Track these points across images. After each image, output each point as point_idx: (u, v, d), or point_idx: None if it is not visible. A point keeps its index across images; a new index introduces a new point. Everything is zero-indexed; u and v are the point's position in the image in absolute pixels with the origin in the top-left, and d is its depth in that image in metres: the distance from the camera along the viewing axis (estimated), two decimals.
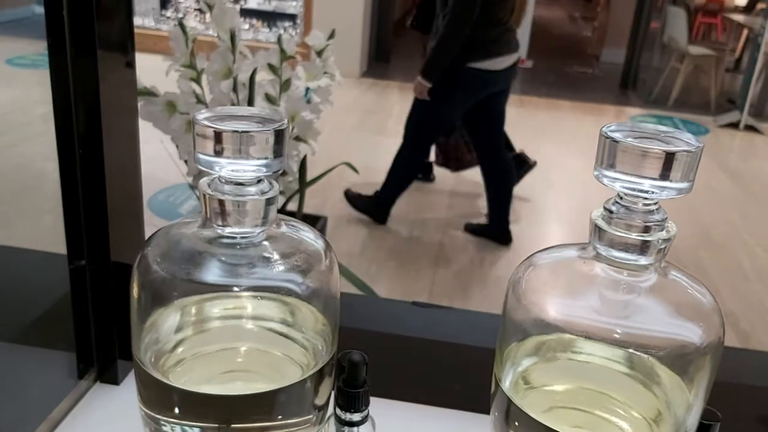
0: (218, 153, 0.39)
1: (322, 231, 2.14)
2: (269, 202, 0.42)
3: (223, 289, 0.44)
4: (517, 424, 0.42)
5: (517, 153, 3.39)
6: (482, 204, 3.25)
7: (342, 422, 0.45)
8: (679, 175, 0.37)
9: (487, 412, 0.46)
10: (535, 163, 3.42)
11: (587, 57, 7.64)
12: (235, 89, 1.43)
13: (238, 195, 0.41)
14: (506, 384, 0.43)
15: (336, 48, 1.58)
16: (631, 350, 0.41)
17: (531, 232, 3.29)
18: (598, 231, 0.40)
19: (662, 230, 0.39)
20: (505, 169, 3.10)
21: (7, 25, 5.55)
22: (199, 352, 0.46)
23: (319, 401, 0.46)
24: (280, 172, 0.41)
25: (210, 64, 1.42)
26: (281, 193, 1.57)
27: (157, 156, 1.61)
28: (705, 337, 0.40)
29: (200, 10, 5.73)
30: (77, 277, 0.58)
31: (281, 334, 0.47)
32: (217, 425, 0.43)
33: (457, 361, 0.66)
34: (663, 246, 0.39)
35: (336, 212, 3.20)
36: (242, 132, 0.39)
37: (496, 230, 3.11)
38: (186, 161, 1.51)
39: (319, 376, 0.44)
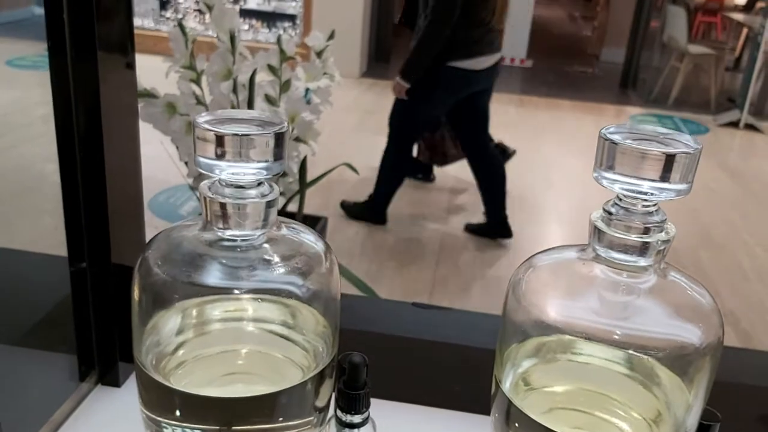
0: (218, 156, 0.39)
1: (322, 231, 2.14)
2: (269, 204, 0.42)
3: (223, 291, 0.44)
4: (517, 425, 0.42)
5: (495, 143, 3.40)
6: (480, 204, 3.26)
7: (343, 424, 0.45)
8: (678, 177, 0.37)
9: (488, 413, 0.46)
10: (514, 152, 3.43)
11: (587, 56, 7.64)
12: (235, 90, 1.44)
13: (238, 198, 0.41)
14: (506, 385, 0.44)
15: (336, 48, 1.58)
16: (630, 351, 0.41)
17: (531, 232, 3.29)
18: (597, 232, 0.40)
19: (661, 231, 0.39)
20: (494, 163, 3.12)
21: (7, 26, 5.55)
22: (200, 355, 0.46)
23: (320, 403, 0.46)
24: (280, 174, 0.42)
25: (210, 65, 1.42)
26: (281, 194, 1.57)
27: (158, 157, 1.61)
28: (704, 337, 0.40)
29: (200, 11, 5.73)
30: (78, 279, 0.58)
31: (282, 336, 0.47)
32: (218, 427, 0.43)
33: (457, 362, 0.66)
34: (662, 247, 0.40)
35: (336, 212, 3.20)
36: (242, 135, 0.39)
37: (495, 226, 3.12)
38: (186, 162, 1.51)
39: (319, 378, 0.45)
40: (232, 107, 1.43)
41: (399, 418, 0.59)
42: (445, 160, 3.47)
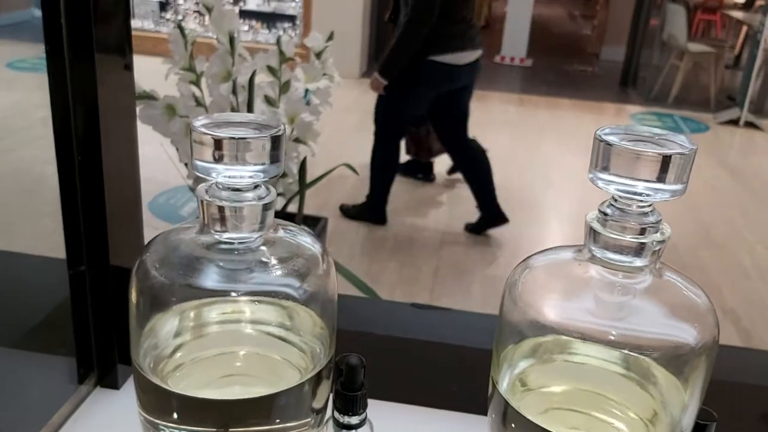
0: (215, 159, 0.39)
1: (322, 232, 2.14)
2: (266, 207, 0.42)
3: (221, 294, 0.44)
4: (513, 425, 0.43)
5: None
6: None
7: (340, 425, 0.45)
8: (672, 177, 0.37)
9: (486, 414, 0.46)
10: (486, 151, 3.48)
11: (587, 55, 7.64)
12: (234, 92, 1.44)
13: (235, 201, 0.41)
14: (503, 386, 0.44)
15: (336, 49, 1.58)
16: (626, 351, 0.42)
17: (531, 231, 3.29)
18: (593, 233, 0.40)
19: (657, 232, 0.40)
20: (476, 157, 3.15)
21: (7, 28, 5.56)
22: (198, 357, 0.46)
23: (317, 404, 0.46)
24: (278, 176, 0.42)
25: (209, 66, 1.42)
26: (281, 194, 1.57)
27: (158, 158, 1.61)
28: (700, 337, 0.40)
29: (200, 13, 5.73)
30: (77, 281, 0.58)
31: (279, 338, 0.47)
32: (215, 429, 0.43)
33: (456, 363, 0.66)
34: (658, 248, 0.40)
35: (337, 213, 3.20)
36: (239, 138, 0.39)
37: (490, 216, 3.13)
38: (186, 164, 1.51)
39: (317, 380, 0.45)
40: (232, 109, 1.43)
41: (397, 419, 0.60)
42: (430, 154, 3.57)
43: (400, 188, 3.47)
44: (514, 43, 6.88)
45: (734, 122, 5.32)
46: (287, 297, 0.44)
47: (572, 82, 6.56)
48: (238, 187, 0.41)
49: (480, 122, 5.02)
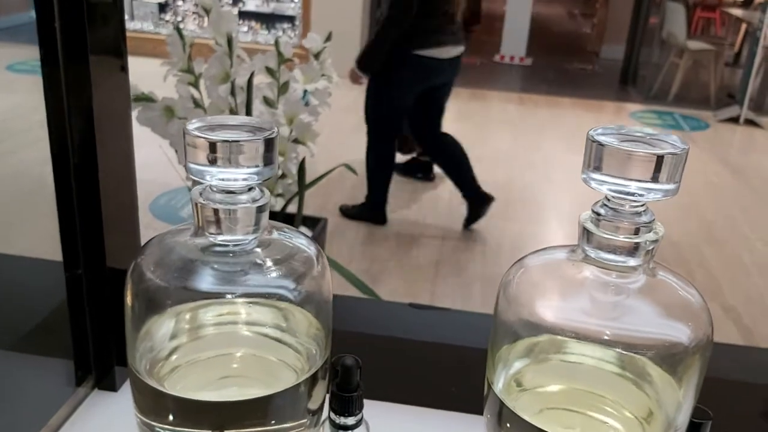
0: (209, 162, 0.39)
1: (322, 232, 2.14)
2: (260, 209, 0.42)
3: (216, 296, 0.44)
4: (509, 425, 0.43)
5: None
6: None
7: (336, 426, 0.45)
8: (665, 177, 0.37)
9: (482, 413, 0.46)
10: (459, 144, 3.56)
11: (587, 54, 7.64)
12: (233, 93, 1.44)
13: (229, 203, 0.41)
14: (498, 386, 0.44)
15: (335, 49, 1.58)
16: (621, 350, 0.42)
17: (532, 230, 3.29)
18: (586, 233, 0.40)
19: (650, 232, 0.40)
20: (450, 149, 3.19)
21: (7, 31, 5.55)
22: (194, 359, 0.46)
23: (313, 405, 0.46)
24: (275, 178, 0.42)
25: (207, 68, 1.42)
26: (281, 195, 1.57)
27: (158, 160, 1.61)
28: (693, 336, 0.40)
29: (199, 14, 5.73)
30: (74, 284, 0.58)
31: (275, 339, 0.47)
32: (212, 431, 0.43)
33: (453, 363, 0.66)
34: (651, 247, 0.40)
35: (337, 213, 3.20)
36: (232, 141, 0.39)
37: (475, 201, 3.17)
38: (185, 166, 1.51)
39: (312, 381, 0.45)
40: (231, 110, 1.43)
41: (393, 419, 0.60)
42: (411, 149, 3.69)
43: (400, 188, 3.47)
44: (514, 42, 6.88)
45: (734, 120, 5.32)
46: (282, 298, 0.44)
47: (572, 80, 6.56)
48: (232, 189, 0.41)
49: (480, 122, 5.04)
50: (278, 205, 1.59)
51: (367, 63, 2.92)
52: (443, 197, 3.59)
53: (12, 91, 4.55)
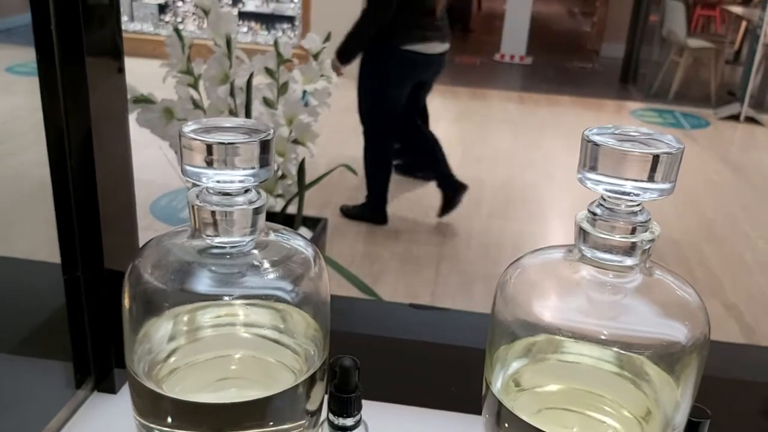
0: (205, 164, 0.39)
1: (323, 233, 2.14)
2: (257, 211, 0.42)
3: (214, 298, 0.44)
4: (507, 425, 0.43)
5: None
6: (481, 201, 3.26)
7: (335, 427, 0.45)
8: (660, 176, 0.37)
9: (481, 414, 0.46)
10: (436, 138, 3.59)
11: (587, 52, 7.63)
12: (232, 94, 1.44)
13: (226, 205, 0.41)
14: (496, 386, 0.44)
15: (334, 49, 1.58)
16: (619, 350, 0.42)
17: (533, 229, 3.29)
18: (582, 233, 0.40)
19: (646, 231, 0.40)
20: (429, 143, 3.23)
21: (7, 33, 5.55)
22: (192, 361, 0.46)
23: (311, 406, 0.46)
24: (273, 179, 0.42)
25: (207, 69, 1.42)
26: (281, 196, 1.57)
27: (158, 161, 1.62)
28: (690, 335, 0.40)
29: (199, 15, 5.73)
30: (72, 287, 0.58)
31: (273, 340, 0.47)
32: None
33: (454, 363, 0.66)
34: (647, 246, 0.40)
35: (337, 213, 3.20)
36: (228, 143, 0.39)
37: (449, 190, 3.20)
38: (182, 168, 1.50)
39: (311, 382, 0.45)
40: (230, 111, 1.43)
41: (392, 420, 0.60)
42: None
43: (400, 188, 3.47)
44: (514, 41, 6.87)
45: (735, 117, 5.31)
46: (280, 300, 0.44)
47: (572, 79, 6.55)
48: (228, 191, 0.41)
49: (480, 121, 5.04)
50: (278, 205, 1.59)
51: (345, 53, 2.93)
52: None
53: (11, 93, 4.55)
